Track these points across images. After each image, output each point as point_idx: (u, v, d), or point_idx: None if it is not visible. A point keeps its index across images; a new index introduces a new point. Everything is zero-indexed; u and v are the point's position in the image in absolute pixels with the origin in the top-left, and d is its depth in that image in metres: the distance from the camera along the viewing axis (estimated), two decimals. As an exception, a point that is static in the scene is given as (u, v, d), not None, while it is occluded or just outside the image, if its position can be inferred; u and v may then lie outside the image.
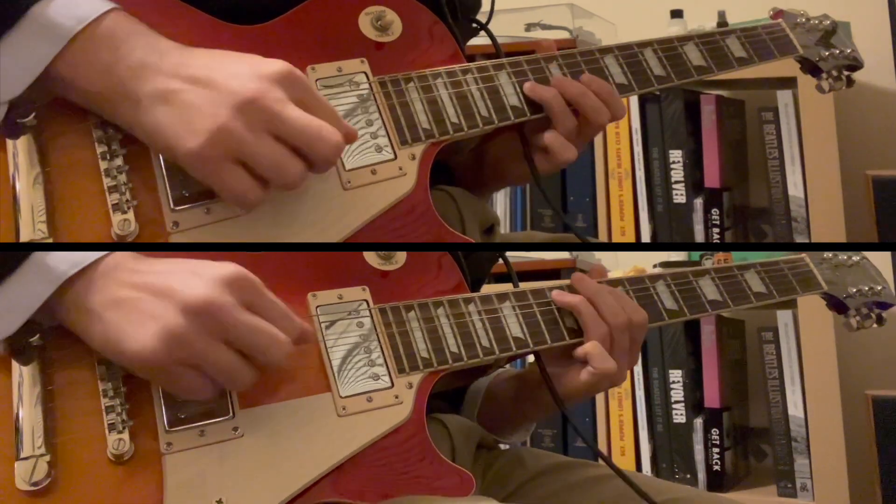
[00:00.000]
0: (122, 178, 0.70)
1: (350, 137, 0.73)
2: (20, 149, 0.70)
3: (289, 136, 0.68)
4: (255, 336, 0.68)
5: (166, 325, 0.65)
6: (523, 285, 0.89)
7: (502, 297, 0.86)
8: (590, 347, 0.85)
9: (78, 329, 0.70)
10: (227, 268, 0.68)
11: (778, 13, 1.04)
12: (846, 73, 1.05)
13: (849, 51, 1.05)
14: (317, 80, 0.78)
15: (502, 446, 0.99)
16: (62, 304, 0.69)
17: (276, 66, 0.69)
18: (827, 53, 1.04)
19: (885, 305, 1.10)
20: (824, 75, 1.05)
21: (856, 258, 1.11)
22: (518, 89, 0.85)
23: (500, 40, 0.95)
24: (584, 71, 0.89)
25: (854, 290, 1.08)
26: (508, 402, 0.96)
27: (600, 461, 0.95)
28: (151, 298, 0.67)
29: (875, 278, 1.11)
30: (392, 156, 0.79)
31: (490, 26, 0.97)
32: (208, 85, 0.67)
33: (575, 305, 0.87)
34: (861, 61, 1.06)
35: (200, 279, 0.67)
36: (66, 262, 0.68)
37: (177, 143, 0.67)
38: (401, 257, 0.84)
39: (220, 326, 0.67)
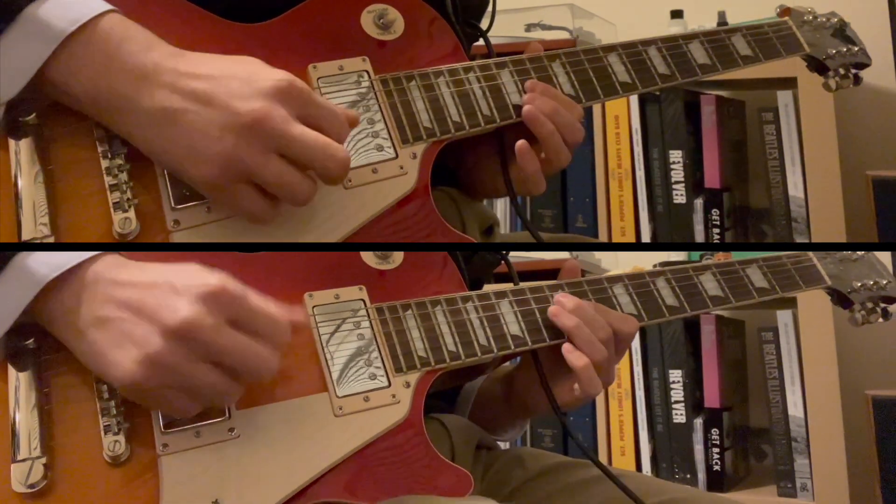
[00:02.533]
0: (124, 176, 0.70)
1: (353, 122, 0.73)
2: (22, 147, 0.69)
3: (296, 156, 0.68)
4: (240, 356, 0.67)
5: (147, 351, 0.64)
6: (522, 284, 0.89)
7: (500, 295, 0.86)
8: (581, 371, 0.84)
9: (66, 343, 0.69)
10: (210, 282, 0.66)
11: (785, 11, 1.03)
12: (853, 70, 1.04)
13: (857, 48, 1.04)
14: (318, 79, 0.78)
15: (502, 446, 0.99)
16: (47, 311, 0.69)
17: (275, 79, 0.68)
18: (834, 52, 1.04)
19: (890, 300, 1.08)
20: (831, 73, 1.04)
21: (860, 252, 1.10)
22: (520, 87, 0.85)
23: (500, 41, 0.94)
24: (588, 69, 0.88)
25: (859, 284, 1.06)
26: (499, 403, 0.96)
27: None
28: (133, 320, 0.65)
29: (880, 272, 1.09)
30: (393, 154, 0.78)
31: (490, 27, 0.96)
32: (210, 104, 0.66)
33: (570, 329, 0.85)
34: (869, 59, 1.05)
35: (182, 298, 0.65)
36: (48, 266, 0.67)
37: (186, 168, 0.67)
38: (398, 256, 0.83)
39: (202, 348, 0.65)
